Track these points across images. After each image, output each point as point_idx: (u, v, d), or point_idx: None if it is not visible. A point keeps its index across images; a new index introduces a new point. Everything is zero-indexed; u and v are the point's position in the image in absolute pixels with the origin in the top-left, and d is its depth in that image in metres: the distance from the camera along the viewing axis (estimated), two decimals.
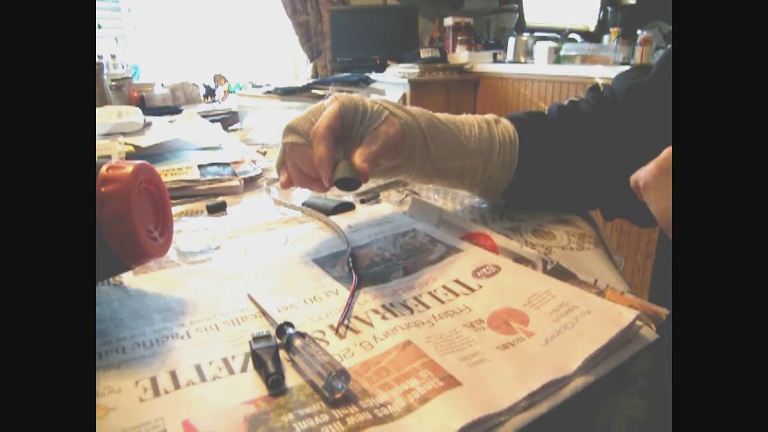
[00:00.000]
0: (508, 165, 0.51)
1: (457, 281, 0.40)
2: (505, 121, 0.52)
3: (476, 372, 0.29)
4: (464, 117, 0.51)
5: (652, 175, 0.34)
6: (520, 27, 2.60)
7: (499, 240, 0.45)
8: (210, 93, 1.73)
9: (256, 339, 0.31)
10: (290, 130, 0.45)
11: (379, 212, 0.55)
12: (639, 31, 2.05)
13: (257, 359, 0.30)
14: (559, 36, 2.49)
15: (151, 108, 1.34)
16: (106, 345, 0.32)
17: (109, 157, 0.75)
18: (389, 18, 2.95)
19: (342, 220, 0.53)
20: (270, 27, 3.07)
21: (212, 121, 1.17)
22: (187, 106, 1.43)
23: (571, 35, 2.49)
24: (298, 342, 0.30)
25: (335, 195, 0.60)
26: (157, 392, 0.28)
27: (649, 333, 0.32)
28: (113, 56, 1.75)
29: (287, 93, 1.08)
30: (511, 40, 2.48)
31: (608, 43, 2.21)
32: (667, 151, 0.33)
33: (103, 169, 0.33)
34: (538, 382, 0.28)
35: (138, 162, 0.35)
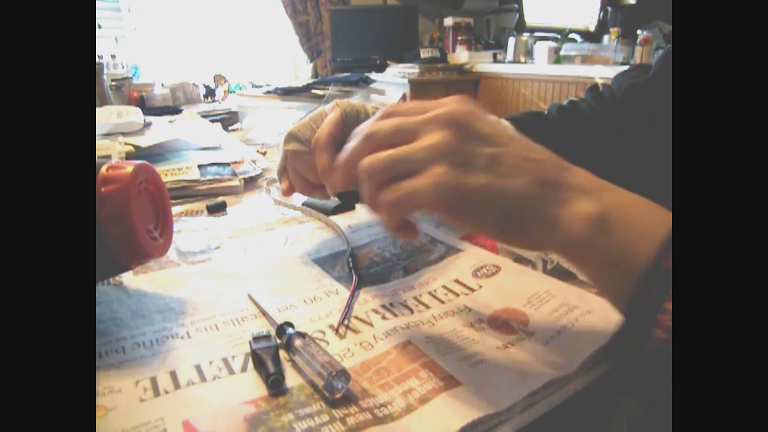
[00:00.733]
0: None
1: (457, 281, 0.40)
2: (504, 122, 0.52)
3: (476, 372, 0.29)
4: None
5: None
6: (520, 27, 2.61)
7: None
8: (210, 93, 1.72)
9: (256, 339, 0.31)
10: (291, 137, 0.45)
11: None
12: (639, 31, 2.06)
13: (257, 359, 0.30)
14: (559, 36, 2.49)
15: (151, 108, 1.34)
16: (106, 345, 0.32)
17: (109, 157, 0.75)
18: (389, 18, 2.95)
19: (342, 220, 0.53)
20: (270, 27, 3.07)
21: (212, 121, 1.17)
22: (187, 106, 1.43)
23: (571, 35, 2.49)
24: (298, 342, 0.30)
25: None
26: (157, 392, 0.28)
27: None
28: (113, 56, 1.75)
29: (287, 93, 1.08)
30: (511, 40, 2.48)
31: (608, 43, 2.21)
32: None
33: (103, 169, 0.33)
34: (538, 382, 0.28)
35: (138, 162, 0.35)
